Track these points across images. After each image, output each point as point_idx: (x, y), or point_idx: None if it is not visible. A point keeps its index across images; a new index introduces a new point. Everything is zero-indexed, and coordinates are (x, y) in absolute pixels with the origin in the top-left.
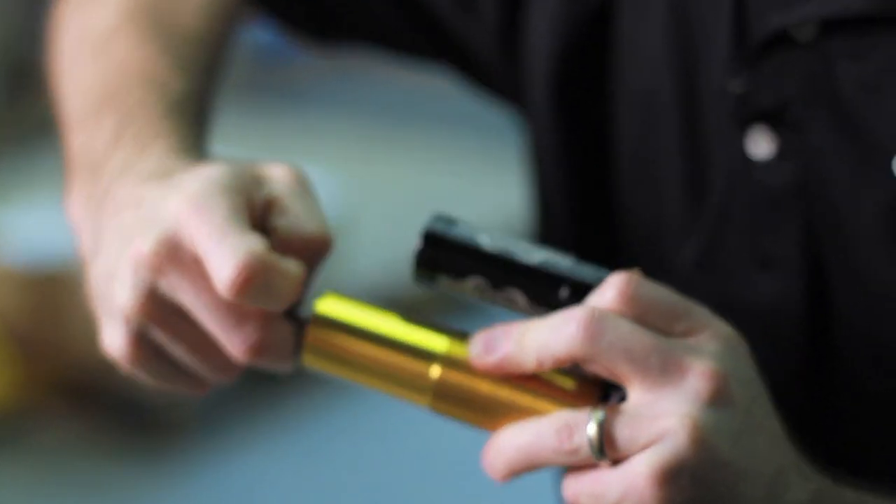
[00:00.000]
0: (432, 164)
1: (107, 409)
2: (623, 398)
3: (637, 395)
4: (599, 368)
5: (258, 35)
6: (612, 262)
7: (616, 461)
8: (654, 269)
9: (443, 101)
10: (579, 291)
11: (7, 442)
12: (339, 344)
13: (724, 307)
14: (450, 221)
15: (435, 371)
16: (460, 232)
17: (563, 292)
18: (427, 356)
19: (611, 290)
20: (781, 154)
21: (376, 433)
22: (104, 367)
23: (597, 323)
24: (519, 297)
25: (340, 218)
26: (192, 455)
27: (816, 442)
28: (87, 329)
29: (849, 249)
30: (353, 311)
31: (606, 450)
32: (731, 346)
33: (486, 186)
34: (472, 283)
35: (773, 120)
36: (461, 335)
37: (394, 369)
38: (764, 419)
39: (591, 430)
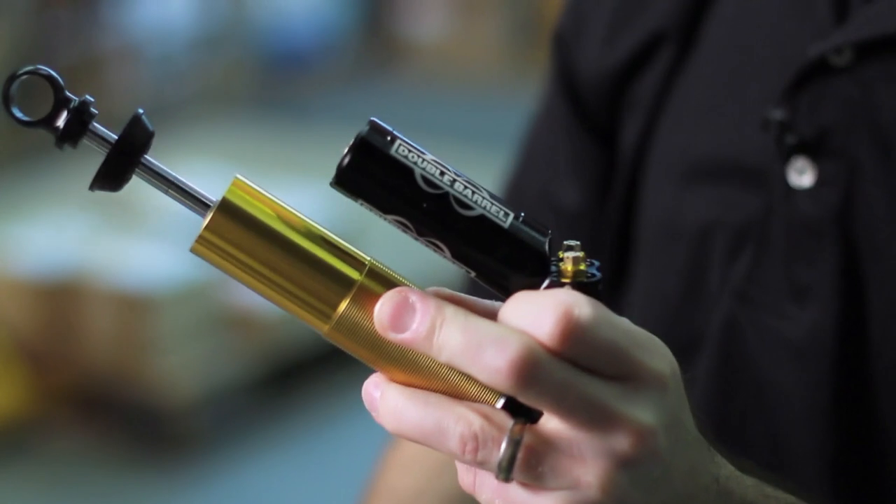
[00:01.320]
0: None
1: (118, 419)
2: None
3: (559, 427)
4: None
5: (270, 47)
6: (651, 298)
7: (521, 484)
8: (690, 295)
9: (454, 113)
10: (513, 256)
11: (19, 452)
12: (240, 240)
13: (759, 338)
14: (388, 135)
15: (343, 303)
16: (398, 152)
17: (496, 255)
18: (340, 281)
19: (551, 322)
20: (822, 182)
21: (386, 440)
22: (115, 377)
23: (528, 368)
24: (444, 249)
25: (349, 230)
26: (203, 465)
27: (848, 473)
28: (97, 340)
29: (887, 277)
30: (267, 207)
31: (513, 472)
32: (666, 390)
33: None
34: (395, 220)
35: (814, 148)
36: (380, 267)
37: (297, 285)
38: (685, 451)
39: (505, 452)
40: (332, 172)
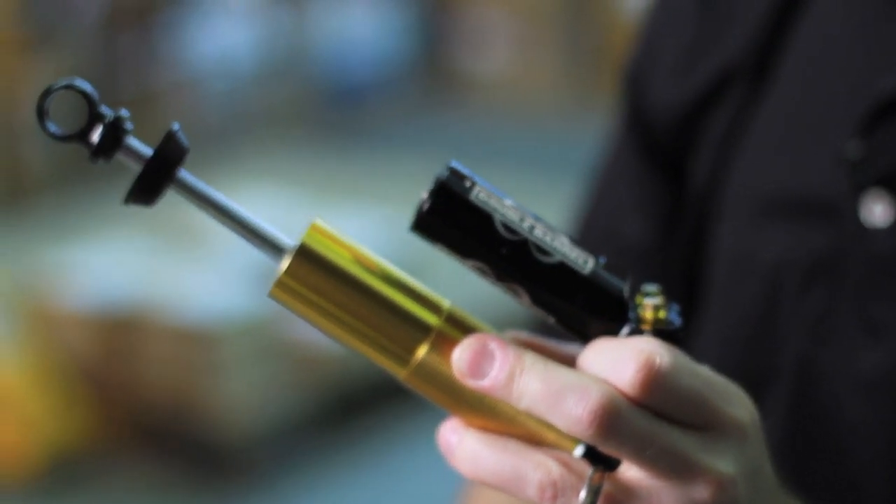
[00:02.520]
0: None
1: (178, 450)
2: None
3: (638, 476)
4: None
5: (332, 77)
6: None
7: None
8: (762, 332)
9: (514, 145)
10: (593, 303)
11: (80, 482)
12: (319, 284)
13: (833, 376)
14: (467, 180)
15: (422, 349)
16: (478, 198)
17: (575, 301)
18: (419, 327)
19: (632, 371)
20: None
21: (446, 474)
22: (175, 408)
23: (609, 418)
24: (523, 294)
25: (413, 259)
26: (261, 498)
27: None
28: (158, 371)
29: None
30: (345, 251)
31: None
32: (746, 440)
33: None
34: (474, 265)
35: (891, 183)
36: (459, 312)
37: (375, 330)
38: (764, 499)
39: (584, 500)
40: (399, 207)
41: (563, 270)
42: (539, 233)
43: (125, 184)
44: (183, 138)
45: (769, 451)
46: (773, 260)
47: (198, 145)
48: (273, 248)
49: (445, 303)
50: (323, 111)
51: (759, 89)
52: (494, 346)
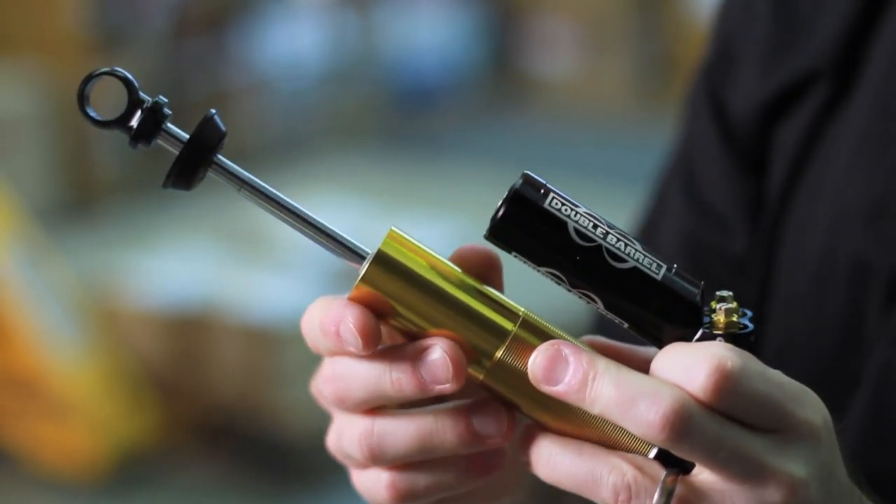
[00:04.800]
0: None
1: (244, 451)
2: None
3: (711, 479)
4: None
5: (399, 82)
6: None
7: None
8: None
9: (582, 150)
10: (666, 308)
11: (148, 483)
12: (395, 291)
13: None
14: (541, 188)
15: (497, 354)
16: (552, 205)
17: (649, 307)
18: (494, 332)
19: (704, 375)
20: None
21: None
22: (242, 409)
23: (682, 422)
24: (597, 300)
25: None
26: (327, 497)
27: None
28: (225, 373)
29: None
30: (421, 258)
31: None
32: (818, 442)
33: None
34: (548, 272)
35: None
36: (534, 317)
37: (453, 335)
38: (837, 500)
39: (658, 502)
40: (466, 212)
41: (637, 276)
42: (613, 239)
43: (196, 189)
44: (220, 123)
45: (845, 453)
46: (855, 267)
47: (265, 148)
48: (345, 250)
49: (520, 309)
50: (390, 115)
51: (841, 91)
52: (568, 351)
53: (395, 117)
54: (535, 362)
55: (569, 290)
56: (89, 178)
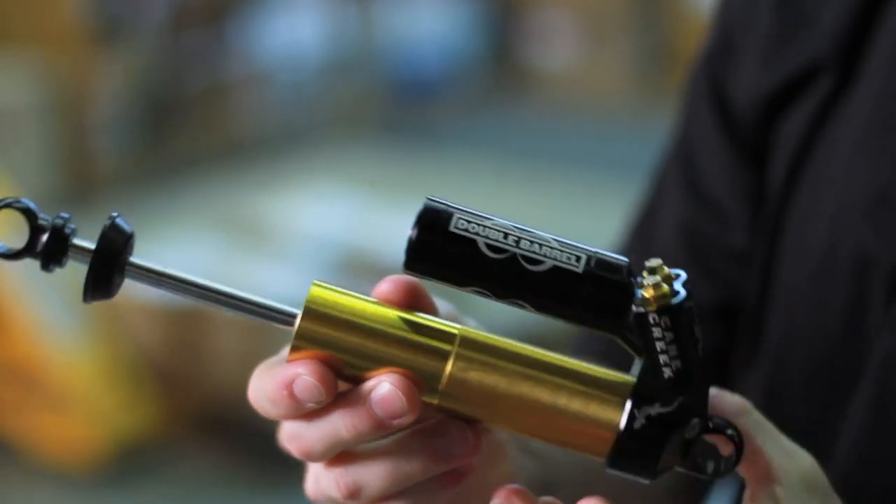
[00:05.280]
0: (568, 201)
1: (245, 441)
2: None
3: None
4: None
5: (399, 73)
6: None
7: None
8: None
9: (581, 142)
10: (595, 298)
11: (148, 474)
12: (331, 342)
13: None
14: (445, 213)
15: (444, 377)
16: (458, 227)
17: (578, 300)
18: (436, 355)
19: None
20: None
21: None
22: (242, 400)
23: None
24: (526, 305)
25: None
26: None
27: None
28: (225, 363)
29: None
30: (348, 304)
31: None
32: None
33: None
34: (472, 290)
35: None
36: (472, 332)
37: (398, 371)
38: None
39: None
40: (460, 196)
41: (558, 274)
42: (526, 244)
43: (195, 181)
44: (123, 225)
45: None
46: (860, 259)
47: (264, 140)
48: (275, 314)
49: (456, 327)
50: (390, 106)
51: (844, 84)
52: None
53: (394, 109)
54: None
55: (497, 301)
56: (89, 168)
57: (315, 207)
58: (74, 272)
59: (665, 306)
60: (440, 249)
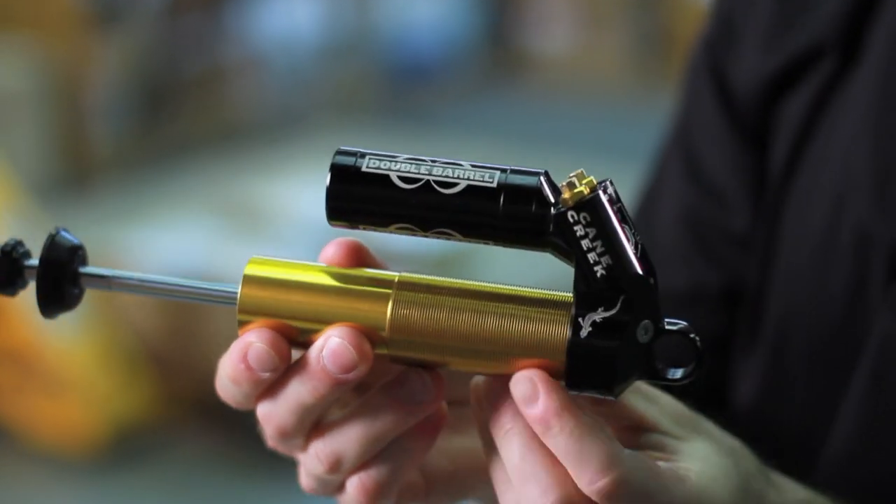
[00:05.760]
0: None
1: (241, 425)
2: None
3: None
4: None
5: (395, 57)
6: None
7: None
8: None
9: (578, 125)
10: (513, 209)
11: (144, 458)
12: (274, 307)
13: None
14: (355, 156)
15: (387, 319)
16: (370, 166)
17: (498, 215)
18: (378, 301)
19: (600, 476)
20: None
21: None
22: None
23: (620, 491)
24: (452, 233)
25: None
26: None
27: None
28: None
29: None
30: (286, 269)
31: None
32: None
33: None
34: (397, 228)
35: None
36: (411, 276)
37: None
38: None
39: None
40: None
41: (474, 192)
42: (438, 170)
43: (191, 165)
44: (67, 236)
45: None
46: (860, 239)
47: (261, 124)
48: (219, 295)
49: (395, 275)
50: (386, 90)
51: (845, 66)
52: (541, 386)
53: (391, 92)
54: (515, 388)
55: (426, 237)
56: (86, 153)
57: (311, 191)
58: None
59: (581, 201)
60: (357, 191)
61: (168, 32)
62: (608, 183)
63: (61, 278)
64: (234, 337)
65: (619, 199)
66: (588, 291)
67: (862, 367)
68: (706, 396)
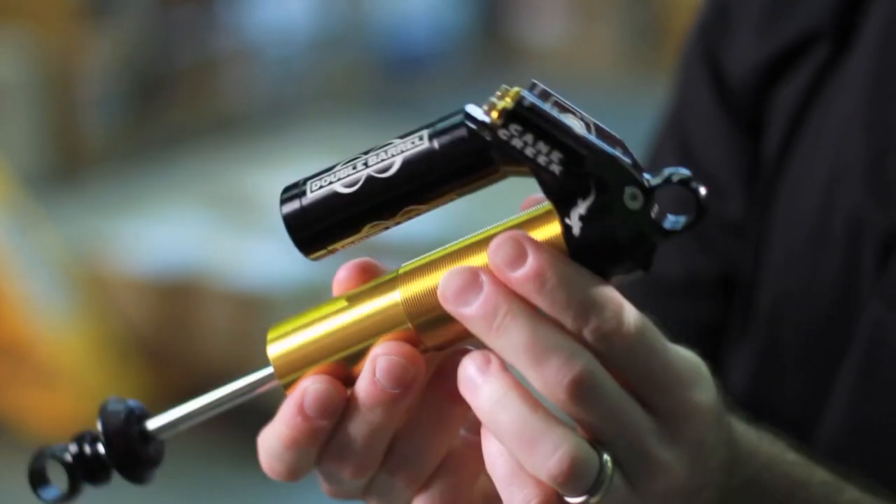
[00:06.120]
0: None
1: (234, 416)
2: None
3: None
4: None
5: (388, 48)
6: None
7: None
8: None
9: None
10: (454, 155)
11: None
12: (305, 355)
13: None
14: (297, 186)
15: (401, 307)
16: (313, 189)
17: (447, 169)
18: (388, 296)
19: (614, 321)
20: None
21: None
22: (230, 375)
23: (589, 390)
24: (417, 208)
25: (460, 229)
26: None
27: None
28: (214, 338)
29: None
30: (301, 319)
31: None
32: (705, 429)
33: None
34: (368, 232)
35: None
36: (409, 265)
37: (368, 335)
38: (702, 475)
39: (608, 468)
40: None
41: (412, 161)
42: (373, 160)
43: (184, 156)
44: (115, 407)
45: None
46: (852, 225)
47: (254, 115)
48: (258, 384)
49: (395, 271)
50: (379, 81)
51: (840, 52)
52: (486, 279)
53: (383, 83)
54: (446, 283)
55: (398, 225)
56: (78, 145)
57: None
58: (64, 245)
59: (507, 114)
60: (312, 218)
61: (160, 24)
62: (533, 82)
63: (130, 447)
64: (228, 328)
65: (549, 94)
66: (560, 191)
67: (852, 354)
68: None
